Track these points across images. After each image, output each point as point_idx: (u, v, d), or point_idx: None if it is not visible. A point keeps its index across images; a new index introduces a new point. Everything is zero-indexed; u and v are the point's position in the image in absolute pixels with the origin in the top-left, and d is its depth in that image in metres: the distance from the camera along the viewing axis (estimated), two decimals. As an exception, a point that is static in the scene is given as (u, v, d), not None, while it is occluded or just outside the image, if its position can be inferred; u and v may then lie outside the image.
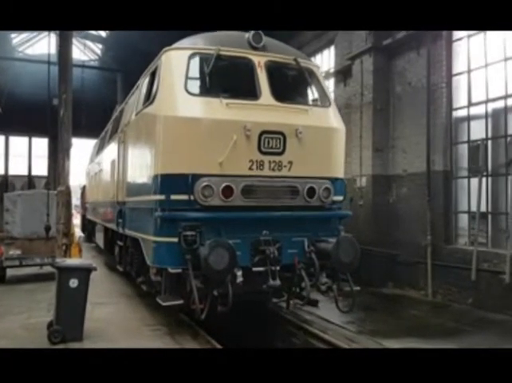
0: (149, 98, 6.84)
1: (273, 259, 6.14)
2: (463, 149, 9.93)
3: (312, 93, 7.30)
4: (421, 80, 10.52)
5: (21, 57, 24.13)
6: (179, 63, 6.37)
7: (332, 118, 7.07)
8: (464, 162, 9.88)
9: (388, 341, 6.64)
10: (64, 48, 9.97)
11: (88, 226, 18.21)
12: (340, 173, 7.08)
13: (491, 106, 9.31)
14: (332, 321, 7.68)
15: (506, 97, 8.91)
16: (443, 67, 10.08)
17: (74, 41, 17.59)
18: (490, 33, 9.18)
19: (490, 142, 9.27)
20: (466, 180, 9.81)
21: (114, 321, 7.01)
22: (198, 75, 6.60)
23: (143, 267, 7.22)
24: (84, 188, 20.38)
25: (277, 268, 6.17)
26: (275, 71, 6.75)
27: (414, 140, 10.73)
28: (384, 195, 11.50)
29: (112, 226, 9.59)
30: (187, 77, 6.28)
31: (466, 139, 9.85)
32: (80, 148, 26.72)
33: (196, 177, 5.94)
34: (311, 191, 6.56)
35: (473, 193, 9.48)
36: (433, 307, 9.27)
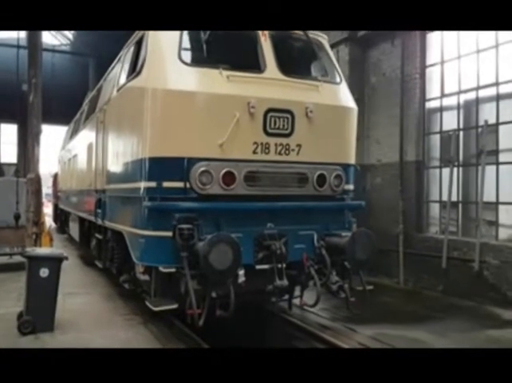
0: (135, 70, 6.03)
1: (279, 256, 5.45)
2: (435, 140, 10.09)
3: (321, 68, 6.62)
4: (395, 71, 10.62)
5: (-12, 40, 23.32)
6: None
7: (344, 96, 6.48)
8: (436, 152, 10.05)
9: (361, 328, 6.75)
10: (33, 31, 9.69)
11: (60, 216, 17.40)
12: (352, 159, 6.42)
13: (463, 97, 9.47)
14: (305, 308, 7.74)
15: (477, 89, 9.08)
16: (416, 58, 10.20)
17: (44, 24, 17.06)
18: (463, 25, 9.32)
19: (461, 133, 9.45)
20: (437, 170, 10.00)
21: (86, 311, 6.90)
22: (193, 42, 5.73)
23: (127, 264, 6.54)
24: (56, 176, 19.64)
25: (284, 266, 5.53)
26: (281, 41, 6.02)
27: (388, 131, 10.85)
28: (359, 185, 11.59)
29: (90, 216, 8.75)
30: (180, 44, 5.48)
31: (438, 129, 10.02)
32: (51, 136, 26.12)
33: (193, 161, 5.23)
34: (321, 179, 5.92)
35: (444, 183, 9.67)
36: (405, 294, 9.46)
